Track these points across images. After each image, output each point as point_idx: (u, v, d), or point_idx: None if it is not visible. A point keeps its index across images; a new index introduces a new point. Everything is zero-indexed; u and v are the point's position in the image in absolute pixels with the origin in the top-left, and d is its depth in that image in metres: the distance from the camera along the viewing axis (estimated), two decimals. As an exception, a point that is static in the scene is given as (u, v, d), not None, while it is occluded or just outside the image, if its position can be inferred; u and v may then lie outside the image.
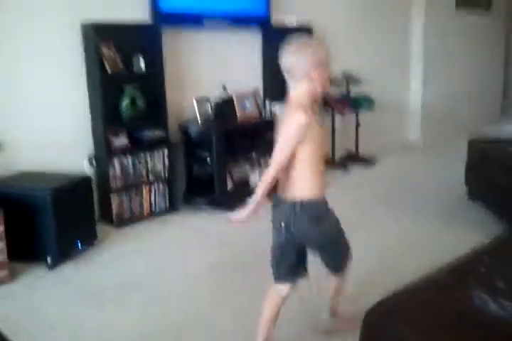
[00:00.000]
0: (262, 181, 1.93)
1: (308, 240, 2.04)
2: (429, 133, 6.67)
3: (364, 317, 1.67)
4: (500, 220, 3.64)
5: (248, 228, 3.73)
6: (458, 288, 1.76)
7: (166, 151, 4.07)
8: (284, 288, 2.08)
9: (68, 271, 3.11)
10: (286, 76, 1.95)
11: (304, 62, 1.88)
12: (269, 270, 2.10)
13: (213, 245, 3.46)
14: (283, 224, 1.97)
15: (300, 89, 1.93)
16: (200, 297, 2.75)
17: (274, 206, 2.04)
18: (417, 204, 4.22)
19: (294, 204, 1.95)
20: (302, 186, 1.95)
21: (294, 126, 1.86)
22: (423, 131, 6.72)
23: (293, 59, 1.90)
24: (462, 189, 4.25)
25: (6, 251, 2.92)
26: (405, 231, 3.62)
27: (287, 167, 1.92)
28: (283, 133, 1.90)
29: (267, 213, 2.05)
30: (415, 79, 6.58)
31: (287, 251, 2.03)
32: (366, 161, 5.57)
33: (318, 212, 1.98)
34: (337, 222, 2.08)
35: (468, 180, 4.21)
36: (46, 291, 2.85)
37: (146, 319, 2.55)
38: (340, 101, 5.32)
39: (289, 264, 2.05)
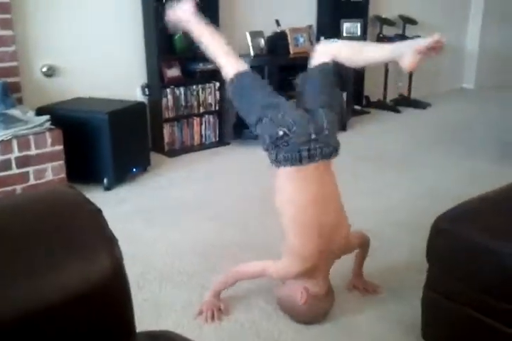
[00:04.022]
0: None
1: None
2: (486, 78, 6.39)
3: (434, 222, 1.65)
4: None
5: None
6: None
7: (217, 84, 4.06)
8: None
9: (123, 192, 3.22)
10: None
11: None
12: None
13: (262, 174, 3.46)
14: None
15: None
16: (249, 218, 2.80)
17: None
18: (476, 145, 4.09)
19: None
20: None
21: None
22: (479, 76, 6.45)
23: None
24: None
25: (65, 169, 3.03)
26: (463, 168, 3.54)
27: None
28: None
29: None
30: (473, 22, 6.25)
31: None
32: (419, 104, 5.40)
33: None
34: None
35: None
36: (102, 209, 2.94)
37: (196, 236, 2.63)
38: (395, 41, 5.12)
39: None
